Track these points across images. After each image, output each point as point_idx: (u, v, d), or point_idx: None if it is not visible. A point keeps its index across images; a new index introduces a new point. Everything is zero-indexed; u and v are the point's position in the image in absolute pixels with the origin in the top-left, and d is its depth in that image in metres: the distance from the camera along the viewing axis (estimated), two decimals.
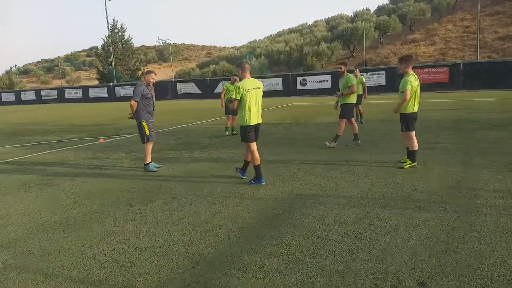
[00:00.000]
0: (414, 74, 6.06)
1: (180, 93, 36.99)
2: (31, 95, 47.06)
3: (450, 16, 46.79)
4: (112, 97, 40.43)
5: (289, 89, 31.96)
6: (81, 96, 42.80)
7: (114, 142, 10.74)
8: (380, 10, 52.46)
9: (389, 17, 45.79)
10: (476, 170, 5.72)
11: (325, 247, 3.41)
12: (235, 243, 3.60)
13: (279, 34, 61.60)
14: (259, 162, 5.55)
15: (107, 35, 49.99)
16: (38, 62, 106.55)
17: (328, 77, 30.26)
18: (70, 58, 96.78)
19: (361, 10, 52.99)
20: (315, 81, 31.01)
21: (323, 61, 44.79)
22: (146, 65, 63.16)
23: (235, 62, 44.86)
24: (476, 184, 5.04)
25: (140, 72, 51.96)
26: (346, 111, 8.04)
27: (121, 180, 6.26)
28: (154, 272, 3.14)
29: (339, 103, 8.16)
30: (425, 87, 21.70)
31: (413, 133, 6.13)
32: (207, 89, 35.29)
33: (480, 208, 4.20)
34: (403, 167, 6.06)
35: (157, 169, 6.84)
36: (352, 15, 53.78)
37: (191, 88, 36.67)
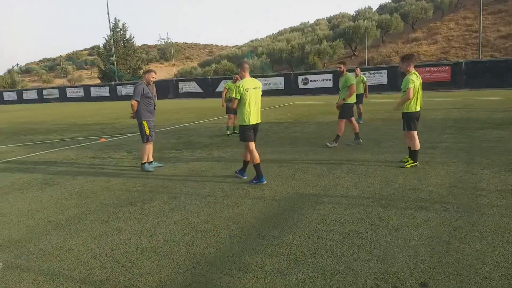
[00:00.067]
0: (416, 73, 6.03)
1: (181, 92, 37.02)
2: (33, 94, 47.23)
3: (452, 14, 46.70)
4: (114, 96, 40.52)
5: (290, 88, 31.91)
6: (83, 95, 42.94)
7: (115, 141, 10.75)
8: (382, 8, 52.43)
9: (391, 15, 45.72)
10: (478, 170, 5.70)
11: (326, 247, 3.41)
12: (236, 243, 3.60)
13: (280, 33, 61.60)
14: (258, 161, 5.55)
15: (109, 34, 50.10)
16: (40, 61, 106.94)
17: (330, 76, 30.16)
18: (72, 57, 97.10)
19: (363, 8, 53.02)
20: (317, 80, 30.93)
21: (325, 60, 44.66)
22: (148, 64, 63.23)
23: (236, 61, 44.71)
24: (478, 184, 5.03)
25: (141, 71, 51.99)
26: (345, 111, 8.01)
27: (123, 180, 6.26)
28: (155, 272, 3.14)
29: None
30: (427, 86, 21.71)
31: (415, 133, 6.11)
32: (208, 88, 35.30)
33: (482, 208, 4.18)
34: (405, 167, 6.05)
35: (153, 169, 6.82)
36: (354, 13, 53.75)
37: (193, 87, 36.69)
